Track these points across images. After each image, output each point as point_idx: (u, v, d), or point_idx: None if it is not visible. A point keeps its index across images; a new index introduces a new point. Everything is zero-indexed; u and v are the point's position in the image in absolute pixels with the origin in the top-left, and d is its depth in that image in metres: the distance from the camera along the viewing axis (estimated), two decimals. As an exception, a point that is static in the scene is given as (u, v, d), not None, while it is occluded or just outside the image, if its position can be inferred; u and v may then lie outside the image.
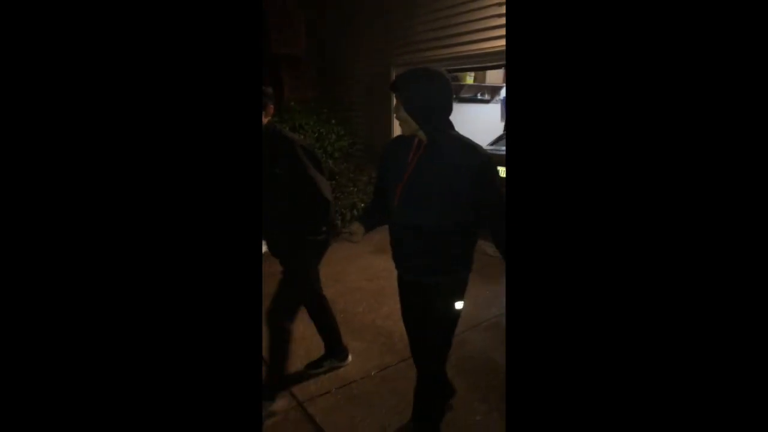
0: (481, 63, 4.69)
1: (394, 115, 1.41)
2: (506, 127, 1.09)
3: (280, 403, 1.92)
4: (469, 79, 7.01)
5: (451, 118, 1.40)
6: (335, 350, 2.20)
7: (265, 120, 1.77)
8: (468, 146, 1.36)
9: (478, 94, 7.26)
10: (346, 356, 2.23)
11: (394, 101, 1.38)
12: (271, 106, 1.78)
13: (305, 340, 2.34)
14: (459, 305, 1.49)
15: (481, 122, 7.11)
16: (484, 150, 1.39)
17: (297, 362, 2.16)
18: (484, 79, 7.21)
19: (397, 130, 5.11)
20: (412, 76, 1.34)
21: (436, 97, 1.34)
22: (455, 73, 6.72)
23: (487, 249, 2.42)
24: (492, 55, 3.87)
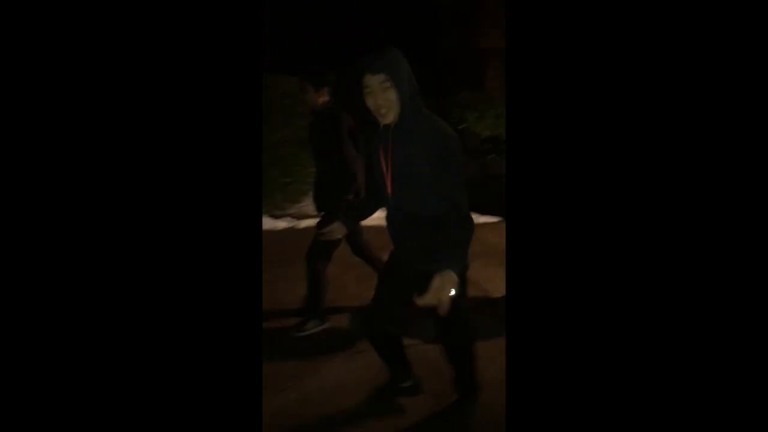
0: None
1: (373, 100, 1.25)
2: (506, 126, 1.15)
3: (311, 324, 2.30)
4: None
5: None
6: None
7: (321, 100, 2.09)
8: (431, 124, 1.28)
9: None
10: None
11: (374, 84, 1.22)
12: (327, 88, 2.09)
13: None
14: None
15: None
16: (448, 128, 1.29)
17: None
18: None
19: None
20: (396, 54, 1.23)
21: (413, 77, 1.26)
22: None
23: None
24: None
